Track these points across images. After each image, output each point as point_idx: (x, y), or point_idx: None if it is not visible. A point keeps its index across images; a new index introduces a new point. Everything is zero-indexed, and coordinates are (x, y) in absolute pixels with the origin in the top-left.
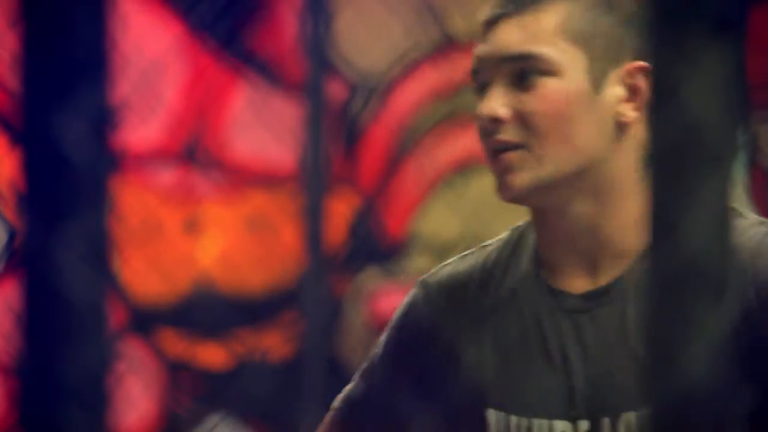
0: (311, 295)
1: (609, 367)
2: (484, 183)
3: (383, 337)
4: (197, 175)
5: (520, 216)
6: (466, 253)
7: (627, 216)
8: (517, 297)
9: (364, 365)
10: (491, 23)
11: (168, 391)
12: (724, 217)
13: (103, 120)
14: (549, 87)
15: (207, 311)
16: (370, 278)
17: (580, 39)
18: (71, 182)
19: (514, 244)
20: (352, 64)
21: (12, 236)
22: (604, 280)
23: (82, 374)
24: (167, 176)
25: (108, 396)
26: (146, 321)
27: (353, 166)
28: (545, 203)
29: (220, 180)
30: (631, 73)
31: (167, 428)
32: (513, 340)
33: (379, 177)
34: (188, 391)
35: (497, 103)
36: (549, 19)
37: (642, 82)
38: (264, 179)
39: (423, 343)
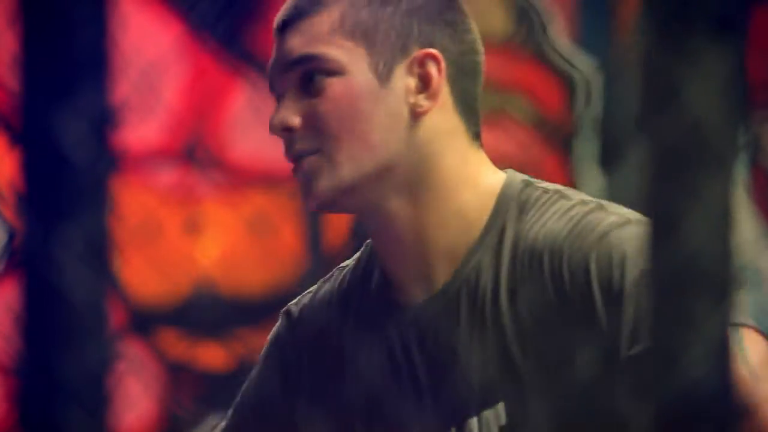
0: None
1: (462, 369)
2: None
3: (253, 371)
4: (197, 175)
5: None
6: (327, 276)
7: (447, 210)
8: (371, 319)
9: (236, 400)
10: (277, 33)
11: (168, 392)
12: (725, 217)
13: (103, 120)
14: (334, 87)
15: (207, 311)
16: None
17: (359, 34)
18: (71, 182)
19: (365, 262)
20: None
21: (11, 236)
22: (439, 283)
23: (82, 374)
24: (167, 176)
25: (108, 396)
26: (146, 321)
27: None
28: (355, 207)
29: (220, 180)
30: (420, 62)
31: (167, 429)
32: (372, 367)
33: None
34: (188, 392)
35: (287, 112)
36: (326, 20)
37: (433, 69)
38: (264, 179)
39: (290, 374)
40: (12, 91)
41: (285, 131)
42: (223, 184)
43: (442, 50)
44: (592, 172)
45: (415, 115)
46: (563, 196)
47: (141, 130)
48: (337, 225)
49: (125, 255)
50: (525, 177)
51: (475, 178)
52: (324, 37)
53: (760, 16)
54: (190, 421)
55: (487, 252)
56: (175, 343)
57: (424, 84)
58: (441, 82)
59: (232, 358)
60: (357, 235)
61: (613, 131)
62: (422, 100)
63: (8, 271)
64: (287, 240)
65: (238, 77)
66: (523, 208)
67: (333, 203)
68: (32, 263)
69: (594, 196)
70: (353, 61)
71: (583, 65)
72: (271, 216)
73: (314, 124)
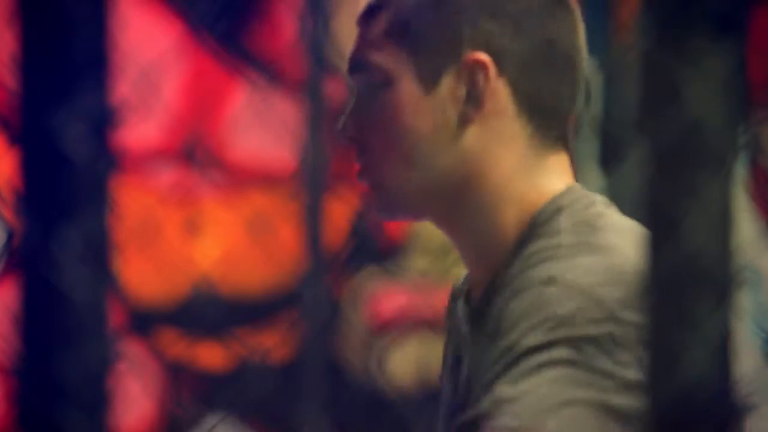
0: (311, 296)
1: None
2: None
3: None
4: (197, 175)
5: None
6: None
7: (485, 232)
8: (455, 313)
9: None
10: (357, 28)
11: (167, 392)
12: (725, 217)
13: (103, 119)
14: (381, 101)
15: (206, 311)
16: (370, 278)
17: (406, 38)
18: (70, 182)
19: None
20: None
21: (10, 236)
22: (477, 297)
23: (81, 375)
24: (167, 176)
25: (107, 396)
26: (145, 321)
27: (353, 166)
28: (413, 218)
29: (219, 180)
30: (469, 68)
31: (167, 429)
32: (447, 359)
33: None
34: (188, 392)
35: (346, 120)
36: (380, 23)
37: (480, 77)
38: (264, 179)
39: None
40: (11, 91)
41: (345, 139)
42: (222, 184)
43: (499, 51)
44: (591, 172)
45: (463, 126)
46: (572, 252)
47: (140, 129)
48: (337, 225)
49: (125, 255)
50: (579, 196)
51: (522, 194)
52: (374, 43)
53: (760, 16)
54: (189, 420)
55: (501, 278)
56: (175, 343)
57: (473, 92)
58: (489, 89)
59: (231, 358)
60: (357, 235)
61: (612, 131)
62: (470, 110)
63: (7, 271)
64: (287, 240)
65: (237, 77)
66: (529, 244)
67: (388, 218)
68: (31, 263)
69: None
70: (399, 69)
71: None
72: (271, 216)
73: (364, 139)
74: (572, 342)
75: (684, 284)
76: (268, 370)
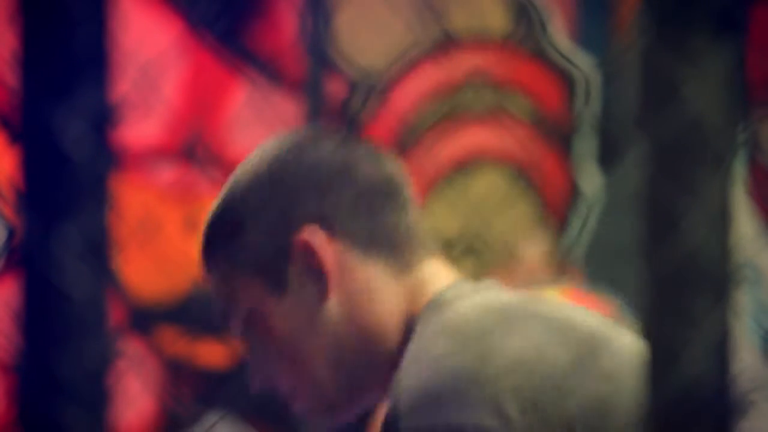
0: None
1: None
2: (484, 182)
3: None
4: (197, 173)
5: (519, 215)
6: None
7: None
8: None
9: None
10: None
11: (167, 390)
12: (724, 215)
13: (103, 117)
14: (261, 326)
15: (206, 309)
16: None
17: (242, 264)
18: (70, 180)
19: None
20: (352, 62)
21: (11, 234)
22: None
23: (81, 372)
24: (167, 174)
25: (107, 394)
26: (146, 319)
27: None
28: (361, 407)
29: (220, 177)
30: (300, 257)
31: (166, 426)
32: None
33: None
34: (188, 389)
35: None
36: (222, 263)
37: (313, 261)
38: None
39: None
40: (11, 88)
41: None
42: (222, 182)
43: (328, 226)
44: (591, 170)
45: (324, 301)
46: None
47: (141, 127)
48: None
49: (125, 252)
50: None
51: (398, 322)
52: (229, 283)
53: (759, 14)
54: (189, 418)
55: None
56: (175, 341)
57: (314, 270)
58: (327, 257)
59: (231, 356)
60: None
61: (612, 129)
62: (322, 287)
63: (8, 269)
64: None
65: (237, 75)
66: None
67: (328, 419)
68: (32, 261)
69: (593, 195)
70: (258, 298)
71: (583, 63)
72: None
73: (269, 368)
74: None
75: (683, 282)
76: None
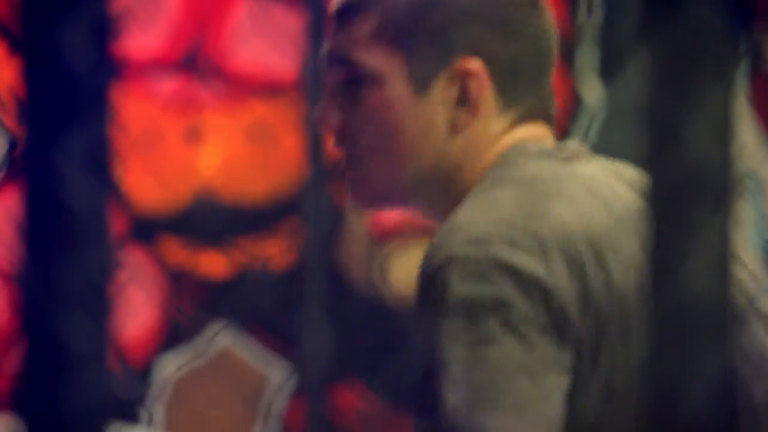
0: (312, 204)
1: None
2: None
3: None
4: (198, 84)
5: None
6: None
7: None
8: None
9: None
10: (331, 20)
11: (169, 300)
12: (727, 126)
13: (104, 28)
14: (370, 99)
15: (208, 220)
16: None
17: (398, 40)
18: (72, 91)
19: None
20: None
21: (12, 144)
22: None
23: (83, 282)
24: (168, 85)
25: (110, 304)
26: (147, 229)
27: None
28: (395, 208)
29: (221, 89)
30: (462, 75)
31: (168, 336)
32: None
33: None
34: (190, 300)
35: (329, 111)
36: (368, 24)
37: (473, 85)
38: (265, 88)
39: None
40: (12, 1)
41: (325, 127)
42: (224, 93)
43: (490, 57)
44: (592, 81)
45: (454, 129)
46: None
47: (142, 38)
48: None
49: (126, 163)
50: (524, 149)
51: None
52: (364, 43)
53: None
54: (191, 328)
55: None
56: (177, 251)
57: (465, 98)
58: (482, 96)
59: (233, 266)
60: None
61: (614, 40)
62: (462, 114)
63: (9, 179)
64: (288, 149)
65: None
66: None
67: (368, 207)
68: (33, 171)
69: (595, 106)
70: (390, 70)
71: None
72: (272, 125)
73: (350, 132)
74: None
75: (684, 192)
76: (269, 278)
